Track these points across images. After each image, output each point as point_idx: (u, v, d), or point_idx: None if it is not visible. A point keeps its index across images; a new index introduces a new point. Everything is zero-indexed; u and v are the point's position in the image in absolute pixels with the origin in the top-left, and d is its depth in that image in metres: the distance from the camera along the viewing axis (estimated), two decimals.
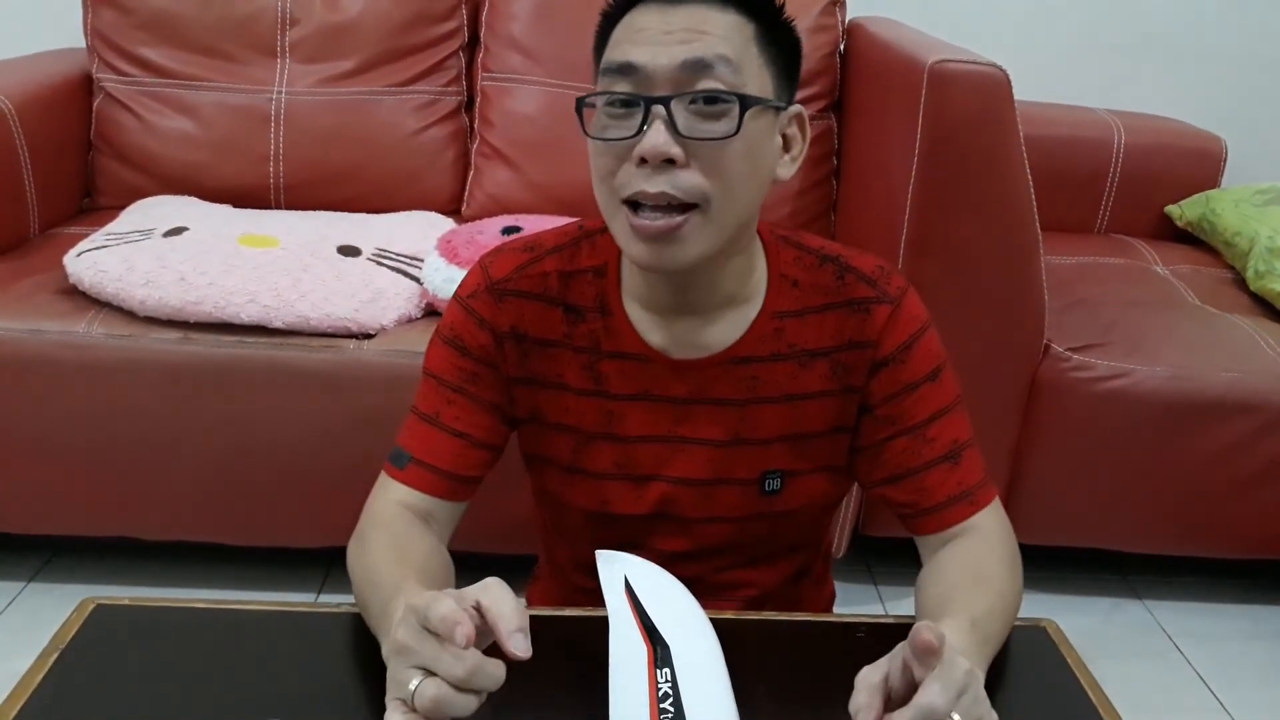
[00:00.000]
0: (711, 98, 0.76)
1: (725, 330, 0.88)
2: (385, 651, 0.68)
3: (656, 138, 0.76)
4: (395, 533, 0.84)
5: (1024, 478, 1.72)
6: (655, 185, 0.77)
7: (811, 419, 0.90)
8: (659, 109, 0.76)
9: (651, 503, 0.92)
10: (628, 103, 0.78)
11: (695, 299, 0.86)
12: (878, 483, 0.92)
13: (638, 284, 0.88)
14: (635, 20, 0.79)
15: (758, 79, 0.79)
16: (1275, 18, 2.36)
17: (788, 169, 0.85)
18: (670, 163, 0.76)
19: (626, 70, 0.77)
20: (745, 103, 0.77)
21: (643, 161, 0.77)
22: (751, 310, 0.88)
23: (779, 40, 0.82)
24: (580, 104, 0.80)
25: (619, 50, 0.79)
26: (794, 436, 0.90)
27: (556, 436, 0.92)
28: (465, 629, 0.60)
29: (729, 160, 0.78)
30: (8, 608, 1.67)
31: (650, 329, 0.88)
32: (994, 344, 1.62)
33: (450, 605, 0.62)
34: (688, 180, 0.77)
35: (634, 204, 0.78)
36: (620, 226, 0.80)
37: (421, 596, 0.64)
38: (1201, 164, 2.25)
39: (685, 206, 0.78)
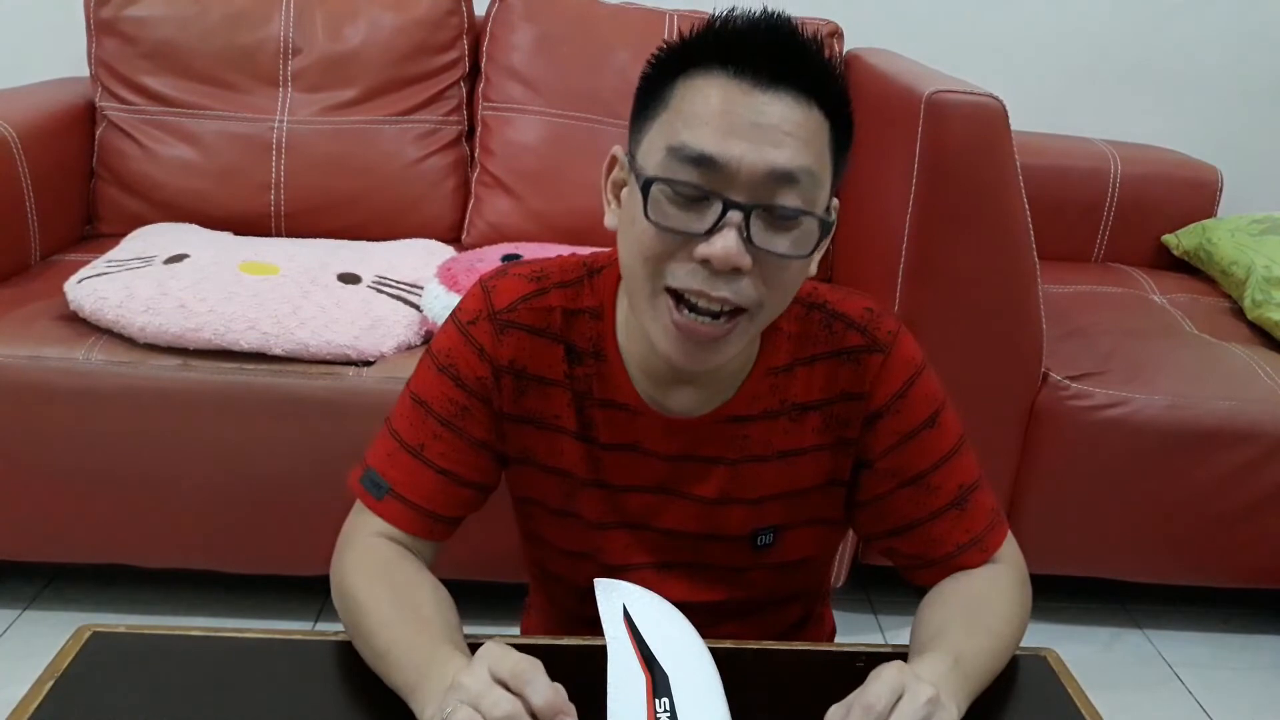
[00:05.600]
0: (790, 214, 0.72)
1: (718, 389, 0.85)
2: (428, 716, 0.68)
3: (730, 245, 0.70)
4: (393, 582, 0.81)
5: (1023, 506, 1.72)
6: (718, 290, 0.72)
7: (805, 474, 0.88)
8: (736, 215, 0.71)
9: (641, 552, 0.91)
10: (698, 195, 0.71)
11: (698, 376, 0.83)
12: (882, 535, 0.90)
13: (637, 344, 0.84)
14: (719, 97, 0.71)
15: (827, 184, 0.75)
16: (1270, 49, 2.38)
17: (814, 265, 0.81)
18: (734, 269, 0.72)
19: (704, 162, 0.71)
20: (825, 228, 0.74)
21: (706, 261, 0.71)
22: (744, 369, 0.86)
23: (844, 141, 0.77)
24: (649, 185, 0.72)
25: (699, 134, 0.71)
26: (787, 494, 0.88)
27: (547, 479, 0.90)
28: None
29: (790, 274, 0.76)
30: (3, 635, 1.66)
31: (644, 381, 0.85)
32: (992, 373, 1.62)
33: (556, 694, 0.64)
34: (749, 288, 0.73)
35: (677, 294, 0.74)
36: (657, 315, 0.75)
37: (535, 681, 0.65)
38: (1198, 194, 2.26)
39: (734, 311, 0.74)
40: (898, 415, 0.86)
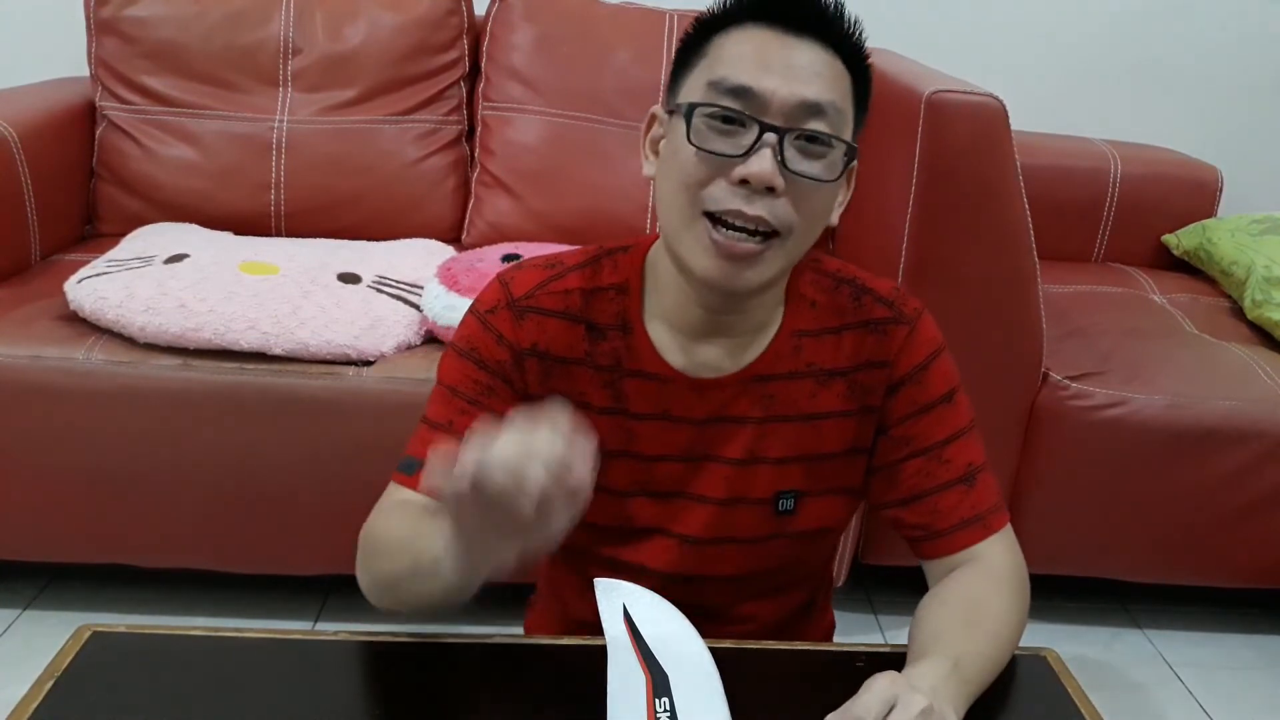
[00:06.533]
0: (817, 138, 0.78)
1: (745, 350, 0.88)
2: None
3: (765, 165, 0.77)
4: (410, 514, 0.82)
5: (1022, 506, 1.72)
6: (754, 209, 0.77)
7: (828, 439, 0.90)
8: (771, 138, 0.77)
9: (665, 521, 0.91)
10: (732, 119, 0.78)
11: (732, 324, 0.87)
12: (891, 504, 0.92)
13: (666, 305, 0.88)
14: (755, 43, 0.79)
15: (850, 123, 0.82)
16: (1270, 49, 2.38)
17: (836, 214, 0.87)
18: (769, 190, 0.77)
19: (742, 93, 0.78)
20: (851, 152, 0.81)
21: (743, 183, 0.77)
22: (770, 329, 0.89)
23: (863, 97, 0.84)
24: (692, 110, 0.79)
25: (737, 70, 0.78)
26: (810, 457, 0.90)
27: None
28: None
29: (818, 200, 0.81)
30: (3, 635, 1.66)
31: (671, 349, 0.88)
32: (992, 372, 1.62)
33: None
34: (783, 210, 0.78)
35: (713, 219, 0.79)
36: (695, 238, 0.80)
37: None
38: (1198, 194, 2.26)
39: (768, 234, 0.79)
40: (918, 385, 0.89)
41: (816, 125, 0.78)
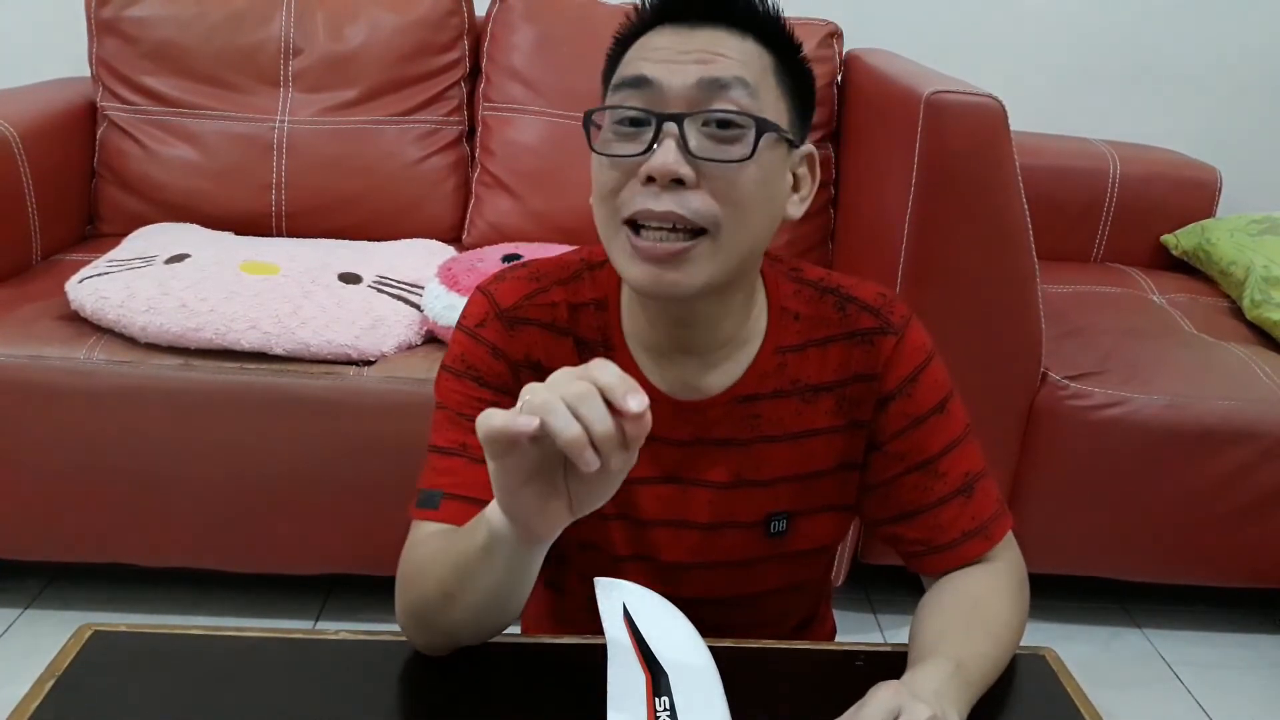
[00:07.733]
0: (726, 121, 0.74)
1: (727, 370, 0.85)
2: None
3: (666, 156, 0.72)
4: (446, 535, 0.79)
5: (1022, 506, 1.72)
6: (662, 204, 0.73)
7: (818, 457, 0.88)
8: (671, 126, 0.73)
9: (651, 546, 0.90)
10: (637, 121, 0.75)
11: (695, 338, 0.83)
12: (887, 520, 0.90)
13: (638, 323, 0.85)
14: (651, 40, 0.78)
15: (774, 108, 0.77)
16: (1270, 49, 2.38)
17: (797, 208, 0.82)
18: (679, 183, 0.73)
19: (639, 83, 0.75)
20: (761, 126, 0.74)
21: (650, 180, 0.73)
22: (752, 347, 0.86)
23: (794, 75, 0.80)
24: (588, 118, 0.77)
25: (632, 66, 0.76)
26: (800, 476, 0.88)
27: None
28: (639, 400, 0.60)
29: (742, 185, 0.75)
30: (4, 634, 1.66)
31: (651, 369, 0.85)
32: (991, 372, 1.63)
33: (624, 379, 0.61)
34: (697, 202, 0.74)
35: (635, 225, 0.75)
36: (620, 248, 0.77)
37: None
38: (1197, 194, 2.26)
39: (693, 231, 0.74)
40: (909, 398, 0.86)
41: (723, 104, 0.74)
